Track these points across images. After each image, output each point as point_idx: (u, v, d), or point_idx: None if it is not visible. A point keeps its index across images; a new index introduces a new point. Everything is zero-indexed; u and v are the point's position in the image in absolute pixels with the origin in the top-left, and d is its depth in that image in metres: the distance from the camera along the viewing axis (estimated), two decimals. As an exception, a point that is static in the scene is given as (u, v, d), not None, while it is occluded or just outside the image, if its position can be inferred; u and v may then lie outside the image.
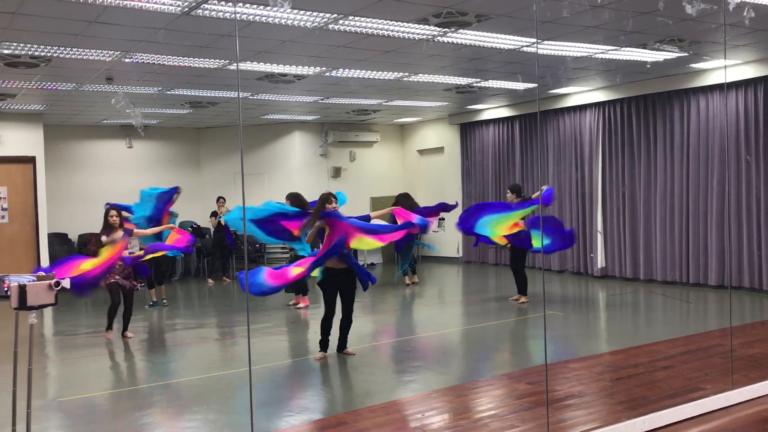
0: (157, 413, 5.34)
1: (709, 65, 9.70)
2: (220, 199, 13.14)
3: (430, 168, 15.99)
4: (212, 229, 13.46)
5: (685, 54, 8.74)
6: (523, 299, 9.67)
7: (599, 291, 10.89)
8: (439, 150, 15.63)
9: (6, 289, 3.82)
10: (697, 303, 9.55)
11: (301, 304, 9.93)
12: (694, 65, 9.65)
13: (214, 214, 13.23)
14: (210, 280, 13.07)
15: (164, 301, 10.51)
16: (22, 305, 3.80)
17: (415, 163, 16.27)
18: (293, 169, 14.90)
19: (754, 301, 9.33)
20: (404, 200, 11.09)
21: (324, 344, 6.84)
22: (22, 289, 3.78)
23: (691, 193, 10.57)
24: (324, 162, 15.24)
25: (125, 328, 8.15)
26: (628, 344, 7.04)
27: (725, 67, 9.71)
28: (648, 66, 9.41)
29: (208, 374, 6.49)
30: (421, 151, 16.17)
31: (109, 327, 8.08)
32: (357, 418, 5.01)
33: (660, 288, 10.67)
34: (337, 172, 15.25)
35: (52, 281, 3.82)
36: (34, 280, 3.82)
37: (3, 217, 12.10)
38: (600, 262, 11.95)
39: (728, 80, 9.89)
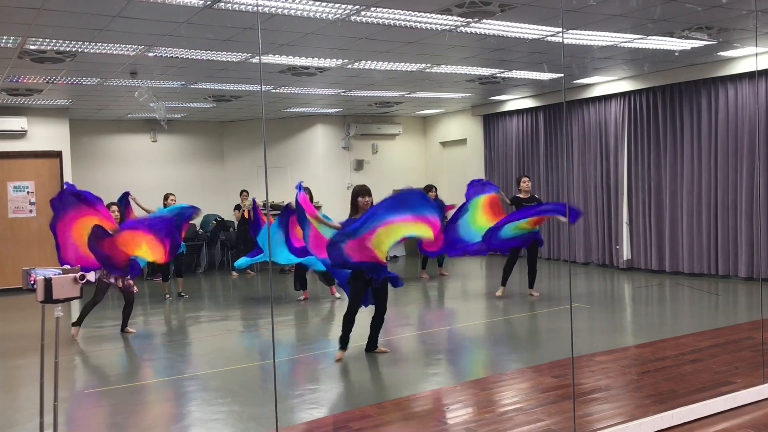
0: (182, 405, 5.37)
1: (737, 53, 9.51)
2: (243, 193, 13.19)
3: (452, 160, 15.90)
4: (236, 222, 13.52)
5: (714, 42, 8.57)
6: (535, 293, 9.63)
7: (625, 283, 10.76)
8: (462, 142, 15.53)
9: (32, 282, 3.85)
10: (726, 295, 9.39)
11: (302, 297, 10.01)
12: (722, 53, 9.46)
13: (237, 207, 13.29)
14: (234, 273, 13.14)
15: (183, 294, 10.66)
16: (48, 298, 3.83)
17: (438, 155, 16.19)
18: (316, 162, 14.91)
19: (785, 293, 9.17)
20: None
21: (345, 341, 6.42)
22: (47, 282, 3.80)
23: (719, 183, 10.38)
24: (346, 155, 15.23)
25: (125, 325, 8.10)
26: (655, 337, 6.95)
27: (756, 54, 9.50)
28: (676, 54, 9.25)
29: (233, 366, 6.52)
30: (444, 143, 16.08)
31: (79, 323, 7.96)
32: (381, 411, 5.00)
33: (687, 280, 10.52)
34: (359, 165, 15.23)
35: (77, 274, 3.84)
36: (59, 274, 3.85)
37: (30, 211, 12.27)
38: (626, 254, 11.81)
39: (759, 68, 9.68)
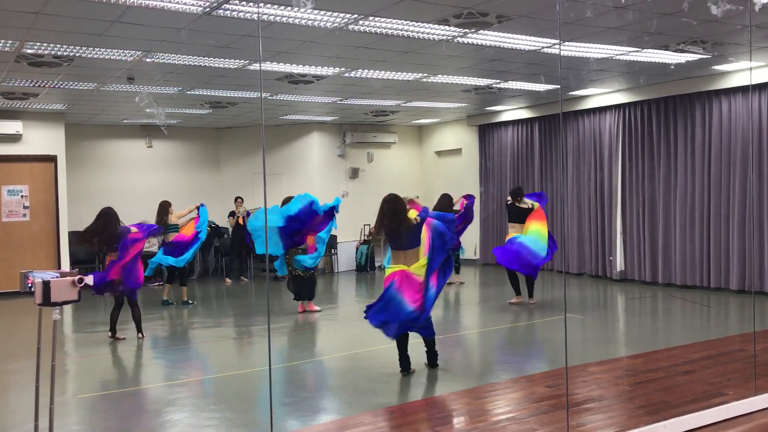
0: (175, 411, 5.36)
1: (732, 67, 9.59)
2: (238, 199, 13.19)
3: (447, 169, 15.94)
4: (230, 229, 13.51)
5: (708, 56, 8.65)
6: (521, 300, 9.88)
7: (618, 294, 10.80)
8: (457, 151, 15.58)
9: (30, 285, 3.85)
10: (718, 307, 9.44)
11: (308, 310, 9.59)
12: (716, 67, 9.55)
13: (232, 214, 13.29)
14: (228, 280, 13.13)
15: (190, 301, 10.69)
16: (46, 301, 3.83)
17: (433, 164, 16.24)
18: (311, 170, 14.93)
19: (777, 306, 9.22)
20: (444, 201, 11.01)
21: (402, 363, 6.21)
22: (46, 285, 3.81)
23: (712, 196, 10.46)
24: (342, 163, 15.25)
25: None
26: (648, 348, 6.98)
27: (750, 69, 9.59)
28: (671, 67, 9.33)
29: (227, 373, 6.51)
30: (439, 153, 16.13)
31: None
32: (375, 419, 5.00)
33: (680, 292, 10.56)
34: (354, 173, 15.26)
35: (76, 278, 3.84)
36: (57, 277, 3.85)
37: (24, 215, 12.24)
38: (619, 265, 11.86)
39: (753, 83, 9.76)
